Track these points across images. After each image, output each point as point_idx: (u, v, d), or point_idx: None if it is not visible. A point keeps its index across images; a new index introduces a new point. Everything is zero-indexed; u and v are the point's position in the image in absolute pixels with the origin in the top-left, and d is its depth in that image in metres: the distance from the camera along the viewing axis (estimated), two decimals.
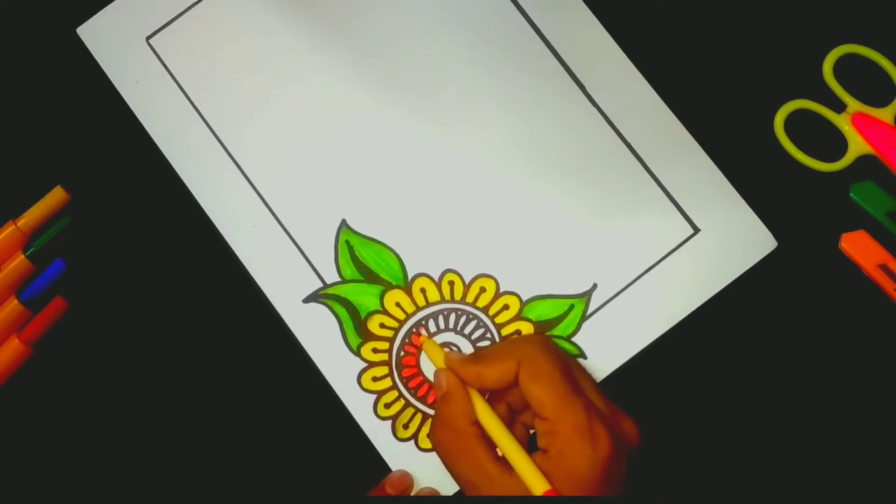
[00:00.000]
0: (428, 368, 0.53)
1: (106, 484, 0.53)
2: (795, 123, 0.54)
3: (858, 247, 0.53)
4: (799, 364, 0.53)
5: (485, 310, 0.54)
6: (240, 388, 0.54)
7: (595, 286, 0.54)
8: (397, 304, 0.54)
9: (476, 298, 0.54)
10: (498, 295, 0.54)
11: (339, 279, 0.54)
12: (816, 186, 0.54)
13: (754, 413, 0.53)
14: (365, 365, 0.53)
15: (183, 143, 0.55)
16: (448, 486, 0.52)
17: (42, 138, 0.56)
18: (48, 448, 0.54)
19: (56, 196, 0.55)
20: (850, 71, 0.54)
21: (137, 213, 0.55)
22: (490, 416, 0.48)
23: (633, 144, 0.54)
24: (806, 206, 0.54)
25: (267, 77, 0.56)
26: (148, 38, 0.56)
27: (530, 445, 0.49)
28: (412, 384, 0.53)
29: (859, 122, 0.54)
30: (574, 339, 0.53)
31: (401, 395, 0.53)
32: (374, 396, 0.53)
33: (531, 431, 0.50)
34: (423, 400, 0.53)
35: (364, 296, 0.54)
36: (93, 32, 0.56)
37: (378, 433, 0.53)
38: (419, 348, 0.53)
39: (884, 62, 0.54)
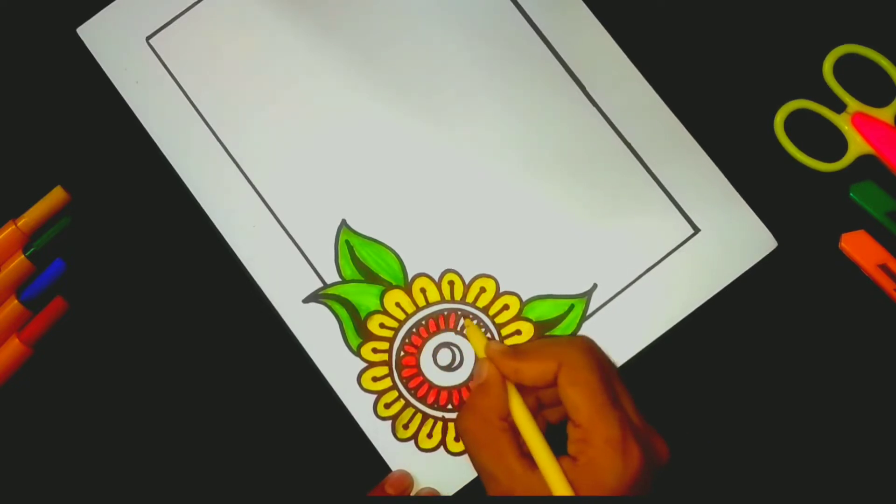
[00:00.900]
0: (428, 369, 0.53)
1: (106, 484, 0.53)
2: (795, 123, 0.54)
3: (858, 247, 0.53)
4: (799, 364, 0.53)
5: (485, 310, 0.54)
6: (240, 388, 0.54)
7: (595, 286, 0.54)
8: (397, 305, 0.54)
9: (476, 298, 0.54)
10: (498, 295, 0.54)
11: (339, 279, 0.54)
12: (816, 186, 0.54)
13: (755, 413, 0.53)
14: (365, 365, 0.53)
15: (183, 143, 0.55)
16: (448, 486, 0.52)
17: (42, 138, 0.56)
18: (48, 448, 0.54)
19: (56, 196, 0.55)
20: (850, 71, 0.54)
21: (137, 213, 0.55)
22: (524, 413, 0.47)
23: (633, 144, 0.54)
24: (806, 206, 0.54)
25: (267, 77, 0.56)
26: (148, 38, 0.56)
27: (551, 443, 0.48)
28: (412, 384, 0.53)
29: (859, 122, 0.54)
30: None
31: (401, 396, 0.53)
32: (374, 396, 0.53)
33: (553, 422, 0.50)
34: (422, 400, 0.53)
35: (364, 296, 0.54)
36: (93, 32, 0.56)
37: (378, 433, 0.53)
38: (419, 348, 0.53)
39: (884, 62, 0.54)
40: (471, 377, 0.53)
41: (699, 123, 0.54)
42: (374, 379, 0.53)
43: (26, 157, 0.56)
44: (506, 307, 0.54)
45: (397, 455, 0.52)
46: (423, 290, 0.54)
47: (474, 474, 0.52)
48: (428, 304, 0.54)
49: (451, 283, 0.54)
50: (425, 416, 0.53)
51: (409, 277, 0.54)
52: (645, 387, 0.53)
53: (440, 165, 0.55)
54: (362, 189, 0.55)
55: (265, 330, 0.54)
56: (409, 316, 0.54)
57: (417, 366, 0.53)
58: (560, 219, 0.54)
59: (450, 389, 0.53)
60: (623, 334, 0.53)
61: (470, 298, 0.54)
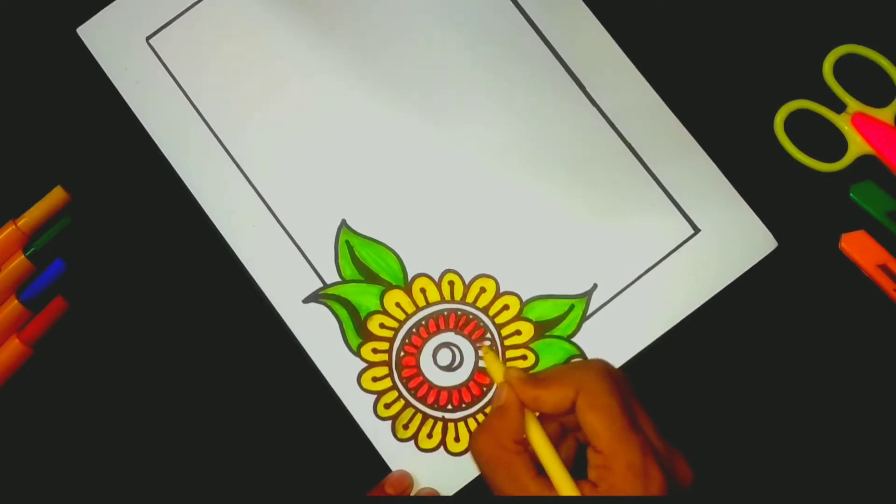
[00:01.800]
0: (428, 369, 0.53)
1: (106, 484, 0.53)
2: (795, 123, 0.54)
3: (858, 247, 0.53)
4: (799, 364, 0.53)
5: (485, 310, 0.54)
6: (240, 388, 0.54)
7: (595, 286, 0.54)
8: (397, 305, 0.54)
9: (476, 298, 0.54)
10: (498, 295, 0.54)
11: (339, 279, 0.54)
12: (816, 186, 0.54)
13: (755, 413, 0.53)
14: (365, 365, 0.53)
15: (183, 143, 0.55)
16: (448, 487, 0.52)
17: (42, 138, 0.56)
18: (48, 448, 0.54)
19: (56, 196, 0.55)
20: (850, 71, 0.54)
21: (137, 213, 0.55)
22: (541, 437, 0.46)
23: (633, 144, 0.54)
24: (806, 206, 0.54)
25: (267, 77, 0.56)
26: (148, 38, 0.56)
27: (578, 467, 0.48)
28: (412, 384, 0.53)
29: (859, 122, 0.54)
30: (574, 340, 0.53)
31: (400, 396, 0.53)
32: (374, 397, 0.53)
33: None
34: (422, 400, 0.53)
35: (364, 296, 0.54)
36: (93, 32, 0.56)
37: (378, 433, 0.53)
38: (419, 348, 0.53)
39: (884, 62, 0.54)
40: (468, 379, 0.52)
41: (699, 123, 0.54)
42: (374, 379, 0.53)
43: (26, 157, 0.56)
44: (506, 307, 0.54)
45: (397, 455, 0.52)
46: (423, 291, 0.54)
47: (474, 474, 0.52)
48: (428, 305, 0.54)
49: (451, 284, 0.54)
50: (425, 417, 0.53)
51: (409, 277, 0.54)
52: (645, 387, 0.53)
53: (440, 165, 0.55)
54: (362, 189, 0.55)
55: (265, 330, 0.54)
56: (409, 316, 0.54)
57: (417, 366, 0.53)
58: (560, 219, 0.54)
59: (450, 389, 0.53)
60: (623, 334, 0.53)
61: (470, 298, 0.54)
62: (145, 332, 0.54)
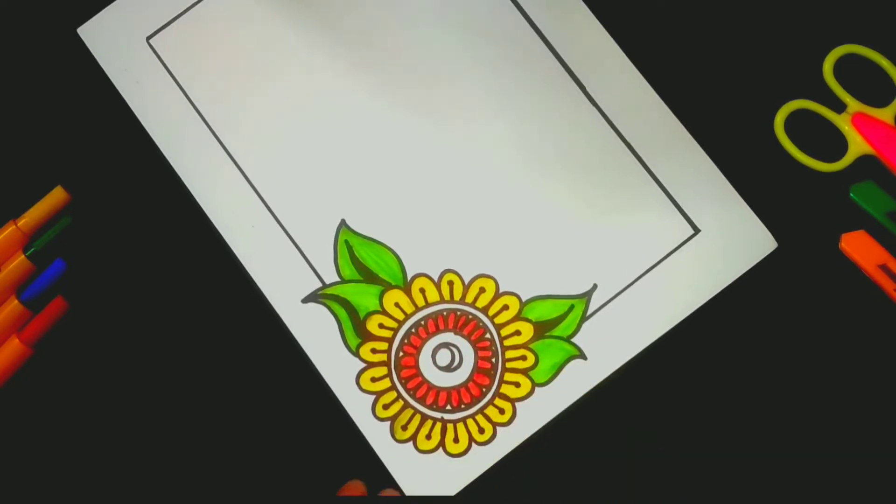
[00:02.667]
0: (427, 369, 0.53)
1: (106, 484, 0.53)
2: (795, 123, 0.54)
3: (858, 247, 0.52)
4: (799, 364, 0.53)
5: (484, 310, 0.54)
6: (238, 388, 0.54)
7: (595, 286, 0.54)
8: (396, 305, 0.54)
9: (476, 299, 0.54)
10: (497, 295, 0.54)
11: (338, 279, 0.54)
12: (816, 186, 0.54)
13: (755, 413, 0.53)
14: (364, 365, 0.53)
15: (183, 143, 0.55)
16: (448, 487, 0.52)
17: (42, 138, 0.56)
18: (48, 448, 0.54)
19: (56, 196, 0.55)
20: (850, 71, 0.54)
21: (137, 213, 0.55)
22: None
23: (632, 144, 0.54)
24: (806, 206, 0.54)
25: (267, 77, 0.56)
26: (148, 38, 0.56)
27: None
28: (411, 385, 0.53)
29: (859, 122, 0.54)
30: (574, 340, 0.53)
31: (399, 396, 0.53)
32: (373, 397, 0.53)
33: None
34: (421, 401, 0.53)
35: (363, 296, 0.54)
36: (93, 32, 0.56)
37: (376, 434, 0.53)
38: (418, 348, 0.53)
39: (884, 62, 0.54)
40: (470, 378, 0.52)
41: (699, 123, 0.54)
42: (373, 379, 0.53)
43: (26, 157, 0.56)
44: (505, 307, 0.54)
45: (395, 456, 0.52)
46: (422, 291, 0.54)
47: (474, 475, 0.52)
48: (427, 305, 0.54)
49: (451, 284, 0.54)
50: (424, 417, 0.53)
51: (409, 277, 0.54)
52: (645, 387, 0.53)
53: (439, 165, 0.55)
54: (361, 189, 0.55)
55: (264, 330, 0.54)
56: (408, 316, 0.54)
57: (416, 366, 0.53)
58: (560, 219, 0.54)
59: (449, 390, 0.53)
60: (623, 335, 0.53)
61: (469, 299, 0.54)
62: (145, 332, 0.54)
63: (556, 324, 0.53)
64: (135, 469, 0.53)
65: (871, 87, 0.54)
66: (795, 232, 0.53)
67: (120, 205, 0.55)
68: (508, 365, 0.53)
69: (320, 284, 0.54)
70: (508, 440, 0.53)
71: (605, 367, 0.53)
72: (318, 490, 0.53)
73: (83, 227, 0.55)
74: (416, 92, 0.55)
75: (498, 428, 0.53)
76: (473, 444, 0.53)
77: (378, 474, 0.52)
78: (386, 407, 0.53)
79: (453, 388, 0.53)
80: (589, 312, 0.53)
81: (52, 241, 0.54)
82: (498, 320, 0.54)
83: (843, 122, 0.54)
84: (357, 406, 0.53)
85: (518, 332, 0.53)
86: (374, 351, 0.53)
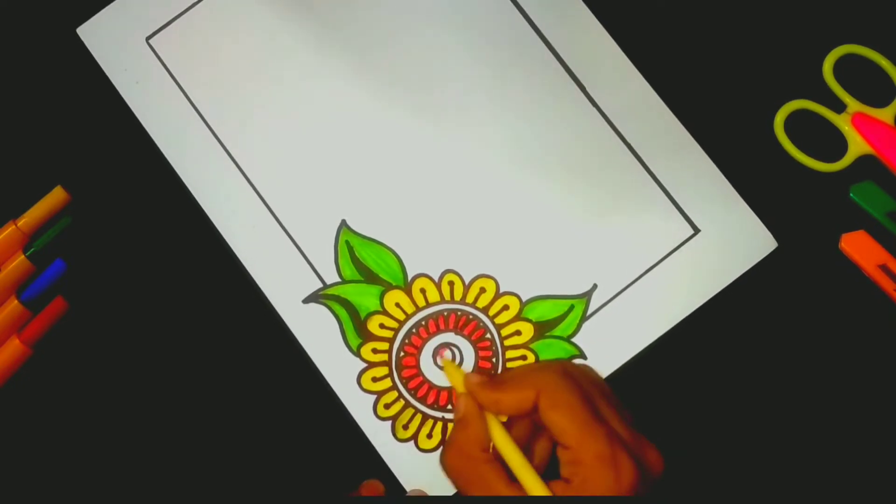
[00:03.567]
0: (428, 369, 0.53)
1: (106, 484, 0.53)
2: (795, 123, 0.54)
3: (858, 247, 0.53)
4: (799, 364, 0.53)
5: (485, 310, 0.54)
6: (239, 388, 0.54)
7: (595, 286, 0.54)
8: (397, 305, 0.54)
9: (476, 299, 0.54)
10: (498, 295, 0.54)
11: (339, 279, 0.54)
12: (816, 186, 0.54)
13: (755, 413, 0.53)
14: (365, 365, 0.53)
15: (183, 143, 0.55)
16: (448, 487, 0.52)
17: (42, 138, 0.56)
18: (48, 448, 0.54)
19: (56, 196, 0.55)
20: (850, 71, 0.54)
21: (137, 213, 0.55)
22: (506, 441, 0.47)
23: (633, 144, 0.54)
24: (806, 206, 0.54)
25: (267, 77, 0.56)
26: (148, 38, 0.56)
27: (551, 467, 0.48)
28: (412, 385, 0.53)
29: (859, 122, 0.54)
30: (574, 340, 0.53)
31: (400, 396, 0.53)
32: (374, 397, 0.53)
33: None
34: (422, 400, 0.53)
35: (364, 296, 0.54)
36: (93, 32, 0.56)
37: (378, 434, 0.53)
38: (419, 348, 0.53)
39: (884, 62, 0.54)
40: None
41: (699, 123, 0.54)
42: (374, 379, 0.53)
43: (26, 157, 0.56)
44: (506, 307, 0.54)
45: (397, 456, 0.52)
46: (422, 291, 0.54)
47: None
48: (428, 305, 0.54)
49: (451, 284, 0.54)
50: (425, 417, 0.53)
51: (409, 278, 0.54)
52: (645, 388, 0.53)
53: (440, 166, 0.55)
54: (362, 189, 0.55)
55: (265, 330, 0.54)
56: (408, 316, 0.54)
57: (417, 366, 0.53)
58: (560, 219, 0.54)
59: (450, 390, 0.53)
60: (623, 335, 0.53)
61: (470, 299, 0.54)
62: (145, 332, 0.54)
63: (557, 324, 0.53)
64: (135, 469, 0.53)
65: (871, 87, 0.54)
66: (795, 232, 0.53)
67: (120, 205, 0.55)
68: (509, 365, 0.53)
69: (321, 285, 0.54)
70: None
71: (605, 367, 0.53)
72: (321, 490, 0.53)
73: (83, 227, 0.55)
74: (416, 92, 0.55)
75: None
76: None
77: (380, 474, 0.52)
78: (387, 406, 0.53)
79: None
80: (589, 312, 0.53)
81: (52, 241, 0.54)
82: (498, 320, 0.54)
83: (843, 122, 0.54)
84: (358, 406, 0.53)
85: (518, 332, 0.53)
86: (375, 351, 0.53)
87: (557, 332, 0.53)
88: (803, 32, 0.55)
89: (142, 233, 0.55)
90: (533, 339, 0.53)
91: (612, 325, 0.53)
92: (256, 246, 0.54)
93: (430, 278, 0.54)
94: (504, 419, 0.48)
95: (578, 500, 0.44)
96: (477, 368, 0.53)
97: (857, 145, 0.54)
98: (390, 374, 0.53)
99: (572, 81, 0.55)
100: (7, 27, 0.57)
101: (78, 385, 0.54)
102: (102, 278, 0.55)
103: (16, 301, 0.54)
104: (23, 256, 0.54)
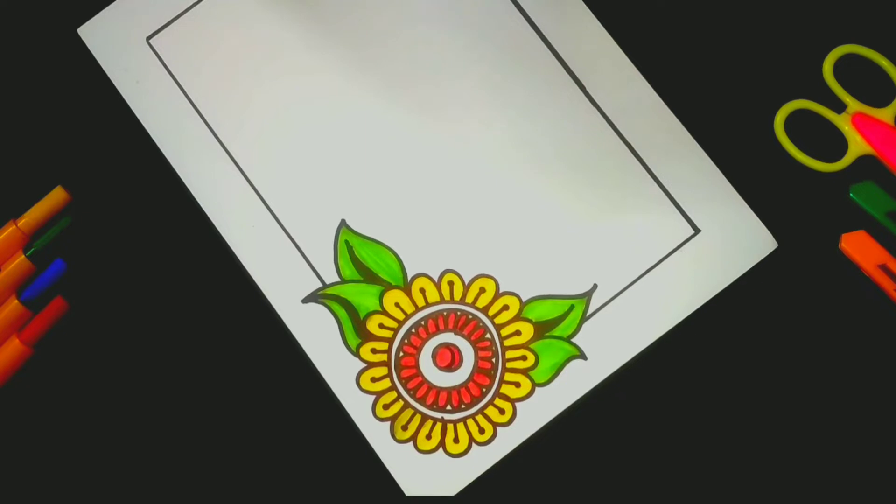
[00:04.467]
0: (427, 369, 0.53)
1: (106, 484, 0.53)
2: (795, 123, 0.54)
3: (858, 247, 0.52)
4: (799, 364, 0.53)
5: (484, 310, 0.54)
6: (238, 388, 0.54)
7: (595, 286, 0.54)
8: (396, 305, 0.54)
9: (476, 299, 0.54)
10: (498, 295, 0.54)
11: (339, 279, 0.54)
12: (816, 186, 0.54)
13: (755, 413, 0.53)
14: (364, 365, 0.53)
15: (183, 143, 0.55)
16: (448, 488, 0.52)
17: (42, 138, 0.56)
18: (48, 448, 0.54)
19: (56, 196, 0.55)
20: (850, 71, 0.54)
21: (137, 213, 0.55)
22: None
23: (632, 144, 0.54)
24: (806, 206, 0.54)
25: (267, 77, 0.56)
26: (148, 38, 0.56)
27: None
28: (411, 385, 0.53)
29: (859, 122, 0.54)
30: (574, 340, 0.53)
31: (400, 396, 0.53)
32: (373, 397, 0.53)
33: None
34: (422, 401, 0.53)
35: (363, 296, 0.54)
36: (93, 32, 0.56)
37: (376, 434, 0.53)
38: (418, 349, 0.53)
39: (884, 62, 0.54)
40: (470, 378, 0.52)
41: (699, 123, 0.54)
42: (373, 379, 0.53)
43: (26, 157, 0.56)
44: (505, 307, 0.54)
45: (396, 456, 0.52)
46: (422, 291, 0.54)
47: (474, 475, 0.52)
48: (427, 305, 0.54)
49: (451, 284, 0.54)
50: (424, 417, 0.53)
51: (409, 277, 0.54)
52: (645, 387, 0.53)
53: (440, 165, 0.55)
54: (362, 189, 0.55)
55: (264, 330, 0.54)
56: (408, 316, 0.54)
57: (417, 366, 0.53)
58: (560, 219, 0.54)
59: (449, 390, 0.53)
60: (623, 335, 0.53)
61: (469, 299, 0.54)
62: (145, 332, 0.54)
63: (557, 324, 0.53)
64: (135, 469, 0.54)
65: (871, 87, 0.54)
66: (795, 232, 0.53)
67: (120, 205, 0.55)
68: (508, 365, 0.53)
69: (320, 284, 0.54)
70: (508, 440, 0.53)
71: (605, 367, 0.53)
72: (319, 490, 0.53)
73: (83, 227, 0.55)
74: (416, 92, 0.55)
75: (498, 428, 0.53)
76: (473, 445, 0.53)
77: (378, 474, 0.52)
78: (386, 407, 0.53)
79: (453, 388, 0.53)
80: (589, 312, 0.53)
81: (52, 241, 0.54)
82: (498, 320, 0.54)
83: (843, 122, 0.54)
84: (357, 406, 0.53)
85: (518, 332, 0.53)
86: (374, 351, 0.53)
87: (557, 332, 0.53)
88: (803, 32, 0.55)
89: (142, 233, 0.55)
90: (533, 340, 0.53)
91: (613, 326, 0.53)
92: (256, 245, 0.54)
93: (430, 278, 0.54)
94: None
95: None
96: (477, 368, 0.53)
97: (857, 145, 0.54)
98: (389, 375, 0.53)
99: (572, 81, 0.55)
100: (7, 27, 0.57)
101: (78, 385, 0.54)
102: (102, 278, 0.55)
103: (16, 301, 0.54)
104: (23, 256, 0.54)
